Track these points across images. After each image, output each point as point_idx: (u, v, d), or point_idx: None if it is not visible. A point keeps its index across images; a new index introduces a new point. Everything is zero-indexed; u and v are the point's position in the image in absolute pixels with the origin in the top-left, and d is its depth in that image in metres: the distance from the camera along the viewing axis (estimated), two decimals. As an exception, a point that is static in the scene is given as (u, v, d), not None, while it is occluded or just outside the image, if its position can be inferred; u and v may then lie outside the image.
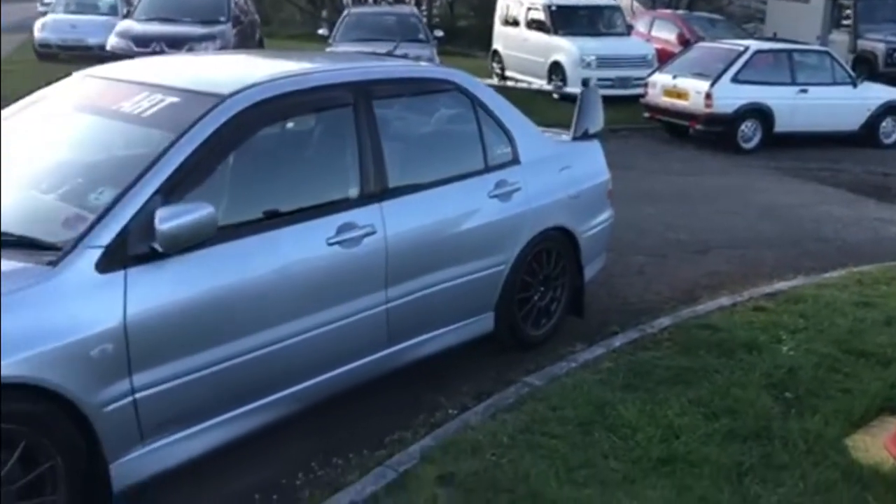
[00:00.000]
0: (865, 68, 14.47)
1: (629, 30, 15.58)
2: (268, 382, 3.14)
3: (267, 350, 3.07)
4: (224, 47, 13.13)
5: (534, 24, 15.26)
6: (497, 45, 16.74)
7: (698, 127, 11.25)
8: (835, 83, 11.54)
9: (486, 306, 4.10)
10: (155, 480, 2.86)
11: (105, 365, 2.61)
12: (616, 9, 15.46)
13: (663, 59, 14.17)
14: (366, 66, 3.86)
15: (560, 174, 4.45)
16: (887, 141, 11.87)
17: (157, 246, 2.71)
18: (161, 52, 12.65)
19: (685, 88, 11.29)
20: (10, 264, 2.59)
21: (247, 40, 14.73)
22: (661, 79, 11.89)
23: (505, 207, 4.04)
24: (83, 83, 3.55)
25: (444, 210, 3.77)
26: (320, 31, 14.53)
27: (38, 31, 17.92)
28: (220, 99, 3.09)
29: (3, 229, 2.74)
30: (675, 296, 5.36)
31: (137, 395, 2.72)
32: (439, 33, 14.47)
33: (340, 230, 3.30)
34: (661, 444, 3.30)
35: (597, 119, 4.86)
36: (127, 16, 14.40)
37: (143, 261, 2.72)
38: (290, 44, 19.55)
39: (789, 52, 11.55)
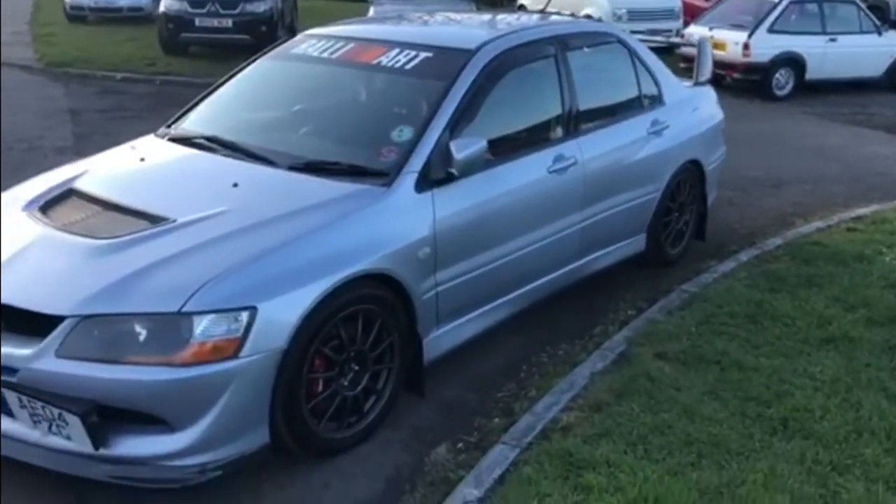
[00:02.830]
0: (877, 16, 15.14)
1: (654, -17, 16.13)
2: (513, 281, 3.88)
3: (514, 255, 3.81)
4: (271, 7, 13.55)
5: (563, -20, 15.79)
6: (524, 0, 17.28)
7: (736, 76, 11.95)
8: (861, 32, 12.25)
9: (641, 228, 4.84)
10: (441, 358, 3.61)
11: (424, 264, 3.34)
12: (643, -37, 15.98)
13: (687, 11, 14.87)
14: (558, 23, 4.54)
15: (693, 114, 5.17)
16: (908, 85, 12.64)
17: (453, 171, 3.41)
18: (216, 13, 13.14)
19: (723, 39, 11.93)
20: (353, 186, 3.29)
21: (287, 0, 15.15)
22: (698, 30, 12.50)
23: (659, 143, 4.76)
24: (321, 43, 4.17)
25: (619, 144, 4.48)
26: (362, -10, 14.98)
27: (69, -6, 18.22)
28: (471, 53, 3.78)
29: (326, 160, 3.45)
30: (770, 222, 6.13)
31: (439, 289, 3.45)
32: (476, -10, 14.98)
33: (555, 160, 4.02)
34: (818, 328, 4.09)
35: (709, 68, 5.58)
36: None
37: (441, 183, 3.42)
38: (323, 3, 19.83)
39: (820, 2, 12.20)
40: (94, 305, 2.71)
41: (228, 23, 13.04)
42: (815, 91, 11.99)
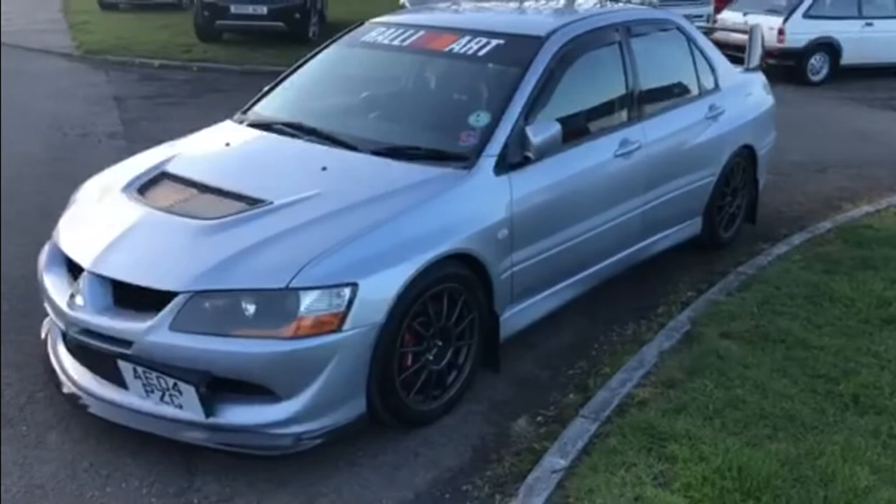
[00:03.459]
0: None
1: (685, -32, 16.08)
2: (581, 263, 4.01)
3: (582, 237, 3.93)
4: (305, -6, 13.65)
5: (593, -35, 15.78)
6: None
7: (770, 61, 11.92)
8: (898, 16, 12.23)
9: (697, 211, 4.94)
10: (514, 336, 3.74)
11: (502, 245, 3.46)
12: (672, -52, 15.94)
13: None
14: (621, 9, 4.63)
15: (746, 99, 5.26)
16: (944, 70, 12.60)
17: (530, 154, 3.53)
18: (251, 1, 13.25)
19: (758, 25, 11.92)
20: (436, 170, 3.42)
21: (318, -13, 15.25)
22: (732, 16, 12.54)
23: (716, 127, 4.85)
24: (390, 31, 4.28)
25: (680, 129, 4.58)
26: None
27: (103, -18, 18.46)
28: (542, 40, 3.88)
29: (409, 144, 3.58)
30: (817, 206, 6.21)
31: (514, 269, 3.57)
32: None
33: (622, 145, 4.12)
34: (877, 309, 4.18)
35: (759, 53, 5.67)
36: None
37: (517, 167, 3.54)
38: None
39: (856, -13, 12.20)
40: (206, 282, 2.86)
41: (263, 10, 13.19)
42: (850, 76, 11.97)
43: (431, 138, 3.66)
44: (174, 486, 2.91)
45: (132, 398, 2.99)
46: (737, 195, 5.29)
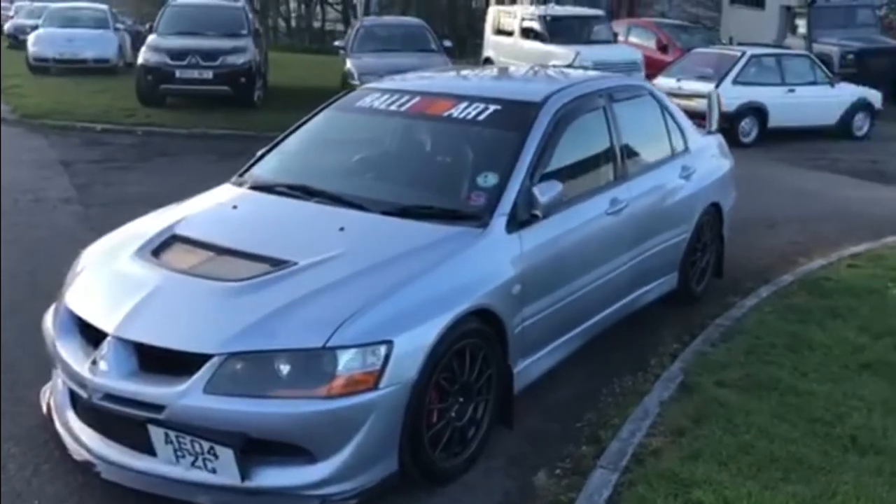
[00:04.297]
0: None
1: (615, 37, 16.91)
2: (582, 315, 4.14)
3: (582, 291, 4.06)
4: (249, 60, 13.75)
5: (529, 34, 16.43)
6: (488, 52, 17.87)
7: (704, 125, 12.57)
8: (816, 83, 13.09)
9: (674, 266, 5.15)
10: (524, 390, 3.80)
11: (516, 300, 3.56)
12: (604, 19, 16.78)
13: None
14: (602, 77, 4.88)
15: (711, 160, 5.58)
16: (859, 133, 13.46)
17: (538, 213, 3.67)
18: (197, 65, 13.26)
19: (691, 90, 12.60)
20: (452, 229, 3.51)
21: (261, 52, 15.38)
22: (665, 82, 13.14)
23: (688, 186, 5.11)
24: (386, 97, 4.38)
25: (659, 188, 4.82)
26: (336, 43, 15.35)
27: (32, 46, 18.10)
28: (539, 105, 4.07)
29: (422, 204, 3.67)
30: (775, 260, 6.53)
31: (525, 323, 3.67)
32: (448, 43, 15.43)
33: (611, 203, 4.31)
34: (853, 355, 4.42)
35: (717, 118, 6.05)
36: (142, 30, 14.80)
37: (526, 224, 3.67)
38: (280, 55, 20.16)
39: (778, 56, 13.06)
40: (240, 343, 2.85)
41: (209, 74, 13.16)
42: (776, 139, 12.68)
43: (441, 198, 3.76)
44: (207, 554, 2.84)
45: (159, 464, 2.92)
46: (706, 250, 5.54)
